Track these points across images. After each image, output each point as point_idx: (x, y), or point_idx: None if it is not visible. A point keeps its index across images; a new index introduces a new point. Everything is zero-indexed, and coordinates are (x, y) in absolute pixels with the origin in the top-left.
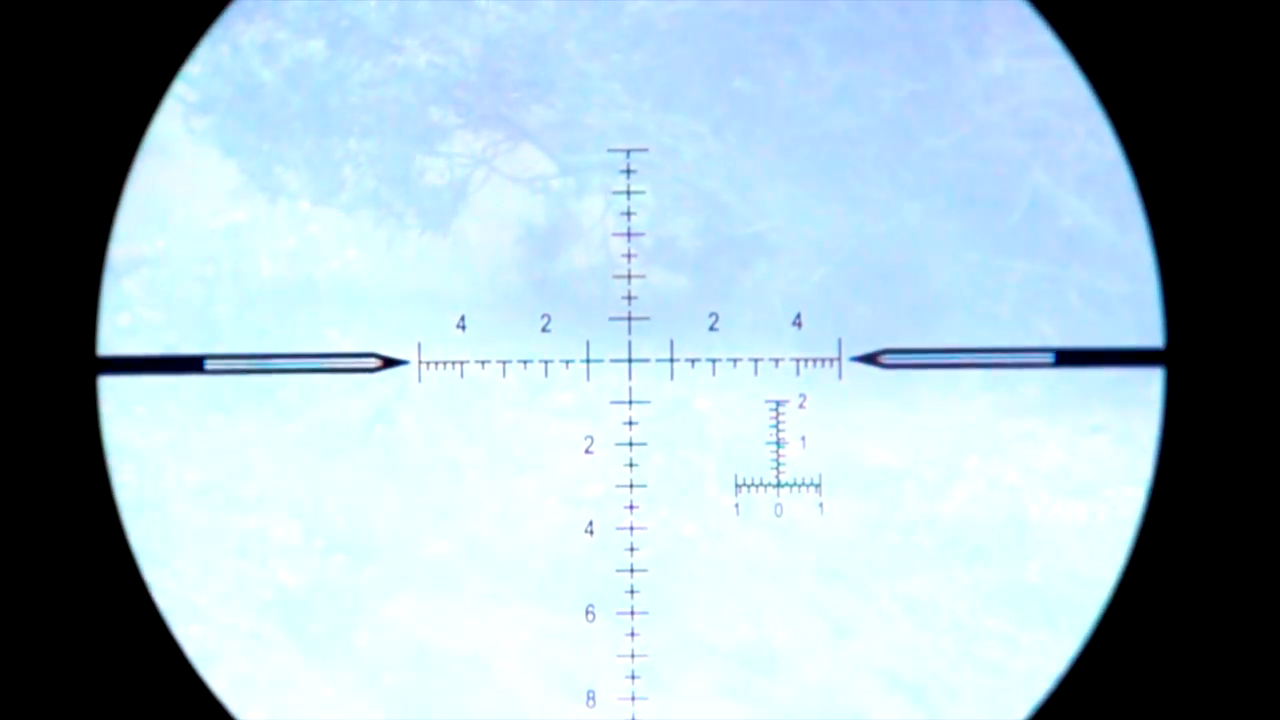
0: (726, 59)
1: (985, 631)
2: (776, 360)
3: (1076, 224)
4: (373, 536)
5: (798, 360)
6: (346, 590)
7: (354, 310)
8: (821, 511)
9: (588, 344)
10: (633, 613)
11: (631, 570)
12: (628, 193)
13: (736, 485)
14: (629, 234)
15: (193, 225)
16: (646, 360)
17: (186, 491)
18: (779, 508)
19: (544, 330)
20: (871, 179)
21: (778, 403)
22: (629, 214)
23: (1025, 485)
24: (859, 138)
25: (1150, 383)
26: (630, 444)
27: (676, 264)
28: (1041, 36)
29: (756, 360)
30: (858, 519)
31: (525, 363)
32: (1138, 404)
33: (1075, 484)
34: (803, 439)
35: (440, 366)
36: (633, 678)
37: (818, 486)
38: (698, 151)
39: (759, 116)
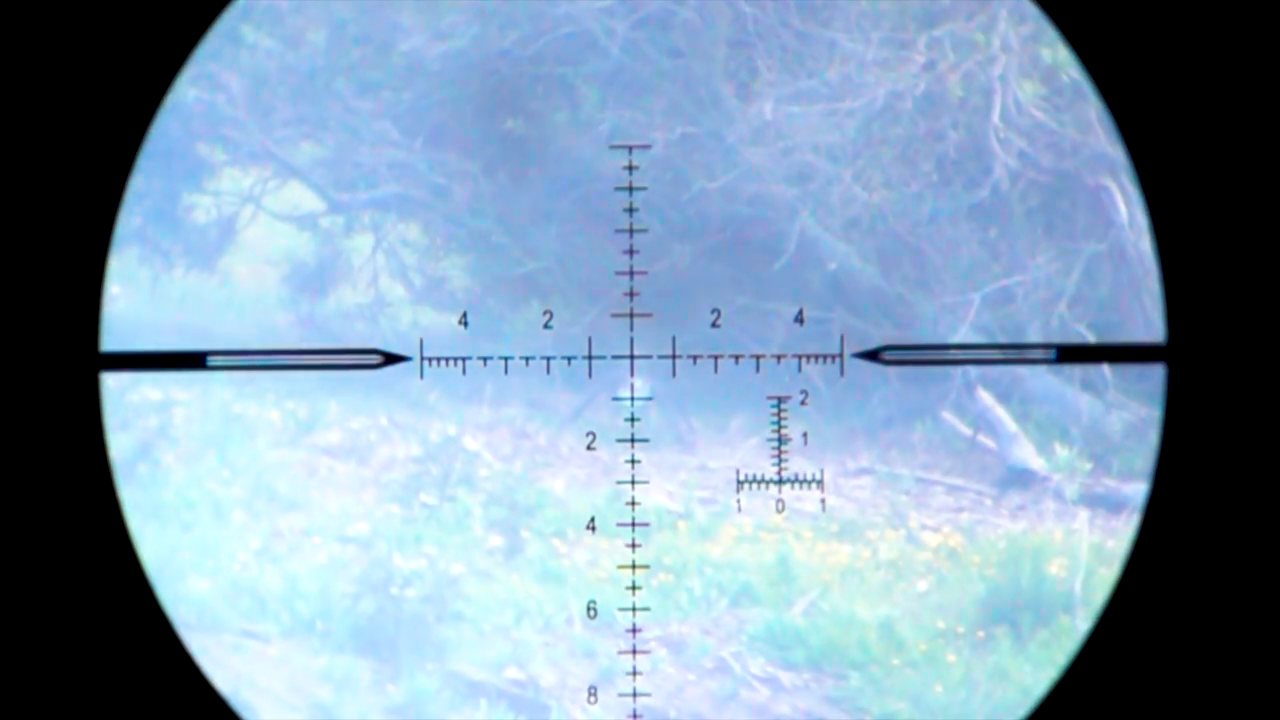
0: (499, 99)
1: (749, 674)
2: (779, 357)
3: (842, 268)
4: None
5: (799, 357)
6: None
7: (118, 347)
8: (824, 508)
9: (589, 340)
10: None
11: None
12: (630, 189)
13: (738, 481)
14: (631, 230)
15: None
16: (649, 357)
17: None
18: (780, 503)
19: (546, 327)
20: (642, 220)
21: (779, 400)
22: (631, 210)
23: (790, 527)
24: (630, 179)
25: (915, 427)
26: (632, 439)
27: (446, 303)
28: (809, 82)
29: (758, 357)
30: (629, 561)
31: (527, 359)
32: (901, 446)
33: (839, 525)
34: (804, 435)
35: (443, 363)
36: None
37: (819, 483)
38: (469, 191)
39: (531, 157)
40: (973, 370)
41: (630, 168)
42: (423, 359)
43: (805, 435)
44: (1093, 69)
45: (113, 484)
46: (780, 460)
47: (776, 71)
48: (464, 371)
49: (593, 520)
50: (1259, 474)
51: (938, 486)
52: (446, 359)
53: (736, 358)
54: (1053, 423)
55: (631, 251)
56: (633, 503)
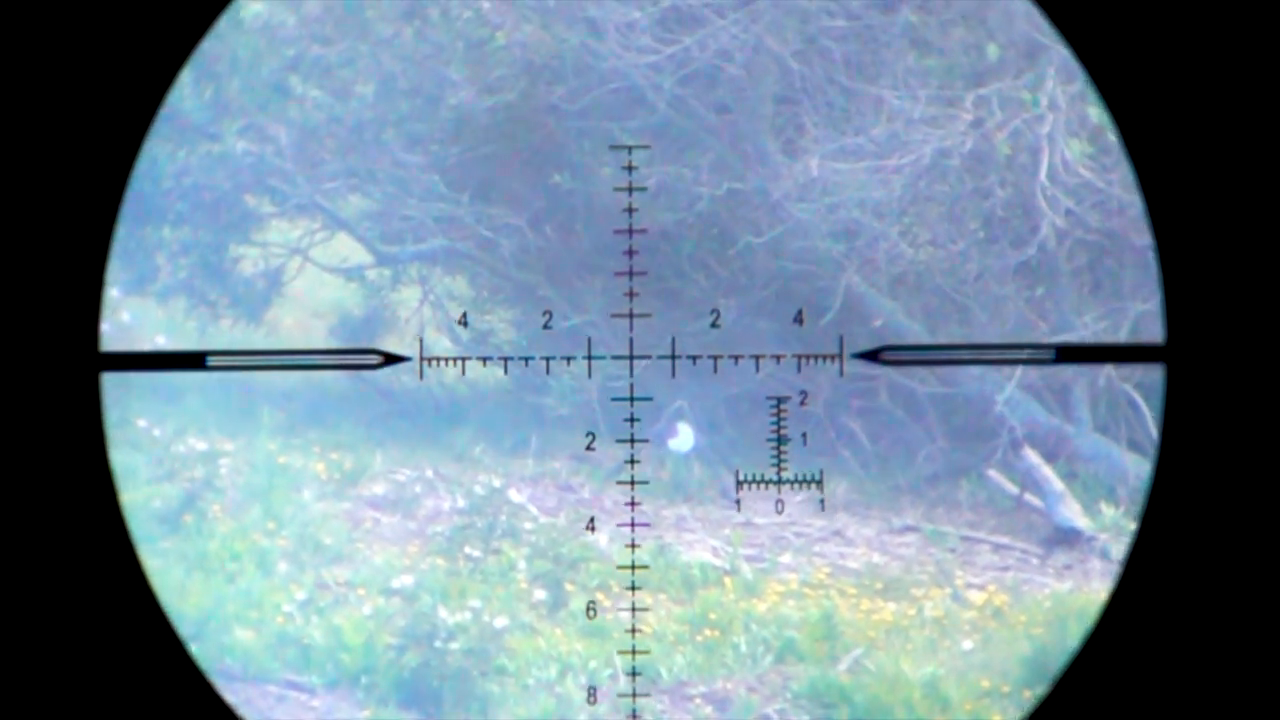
0: (545, 154)
1: None
2: (777, 357)
3: (888, 326)
4: (177, 625)
5: (799, 357)
6: None
7: (164, 398)
8: (823, 509)
9: (589, 341)
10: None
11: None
12: (629, 190)
13: (738, 482)
14: (630, 231)
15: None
16: (648, 357)
17: None
18: (780, 504)
19: (545, 328)
20: (688, 275)
21: (778, 400)
22: (631, 210)
23: (835, 584)
24: (676, 234)
25: (960, 485)
26: (632, 439)
27: (493, 356)
28: (856, 138)
29: (758, 358)
30: (676, 617)
31: (526, 359)
32: (947, 504)
33: (884, 583)
34: (804, 436)
35: (442, 364)
36: None
37: (819, 483)
38: (516, 244)
39: (577, 212)
40: (1019, 428)
41: (630, 168)
42: (422, 359)
43: (805, 436)
44: (1092, 69)
45: (113, 484)
46: (780, 460)
47: (823, 128)
48: (463, 371)
49: (592, 520)
50: (1259, 474)
51: (983, 545)
52: (446, 359)
53: (736, 358)
54: (1099, 482)
55: (631, 252)
56: (632, 502)
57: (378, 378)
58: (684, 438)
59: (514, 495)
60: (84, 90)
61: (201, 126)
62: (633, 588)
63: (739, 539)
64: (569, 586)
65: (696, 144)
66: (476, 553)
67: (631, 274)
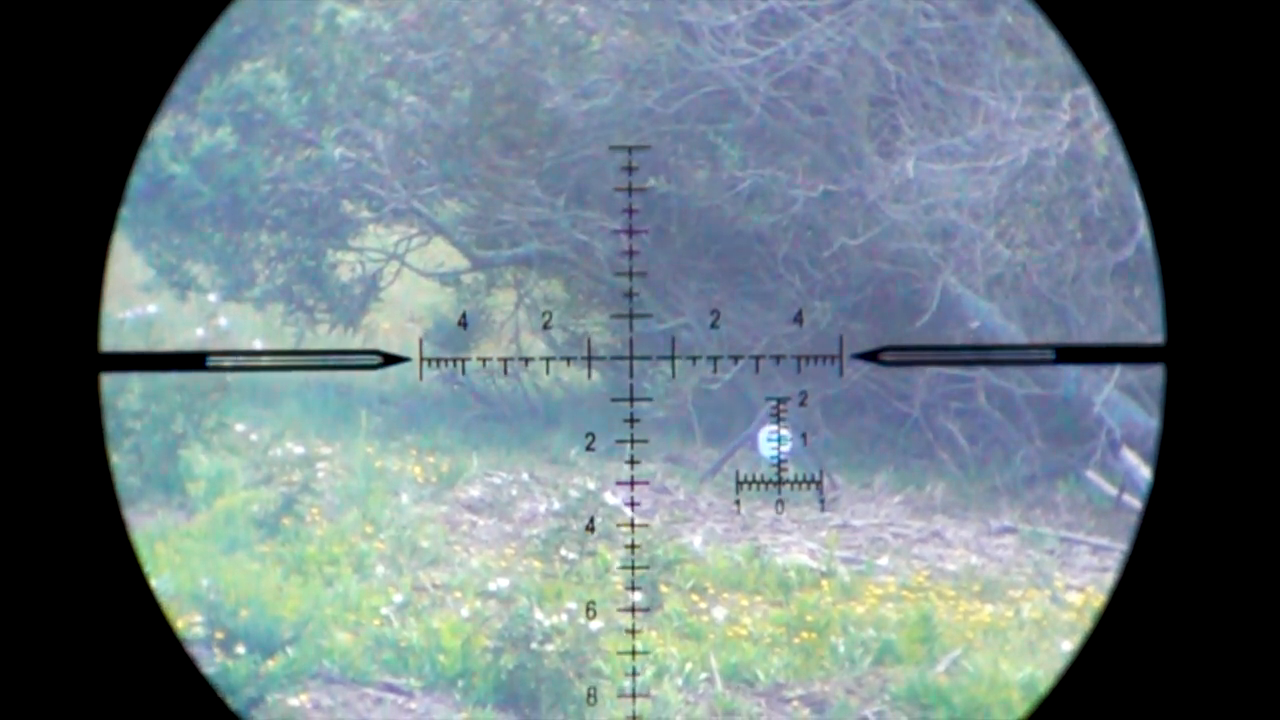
0: (640, 157)
1: None
2: (777, 358)
3: (985, 326)
4: (276, 627)
5: (799, 358)
6: (248, 681)
7: (261, 402)
8: (822, 509)
9: (588, 340)
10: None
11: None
12: (629, 190)
13: (737, 482)
14: (630, 231)
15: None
16: (648, 358)
17: None
18: (780, 505)
19: (545, 328)
20: (783, 278)
21: (778, 400)
22: (630, 211)
23: (932, 586)
24: (771, 236)
25: (1058, 486)
26: (631, 440)
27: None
28: (952, 139)
29: (758, 358)
30: (773, 619)
31: (526, 360)
32: (1044, 505)
33: (981, 584)
34: (804, 436)
35: (442, 364)
36: None
37: (818, 483)
38: (611, 248)
39: (672, 214)
40: (1117, 429)
41: (630, 168)
42: (422, 360)
43: (805, 436)
44: (1092, 68)
45: (113, 483)
46: (779, 459)
47: (919, 129)
48: (463, 371)
49: (592, 521)
50: (1259, 474)
51: (1082, 546)
52: (445, 359)
53: (736, 358)
54: None
55: (631, 252)
56: (631, 502)
57: (473, 379)
58: (771, 443)
59: (609, 498)
60: (85, 89)
61: (298, 132)
62: (632, 587)
63: (835, 541)
64: (664, 588)
65: (792, 146)
66: (572, 555)
67: (631, 274)
